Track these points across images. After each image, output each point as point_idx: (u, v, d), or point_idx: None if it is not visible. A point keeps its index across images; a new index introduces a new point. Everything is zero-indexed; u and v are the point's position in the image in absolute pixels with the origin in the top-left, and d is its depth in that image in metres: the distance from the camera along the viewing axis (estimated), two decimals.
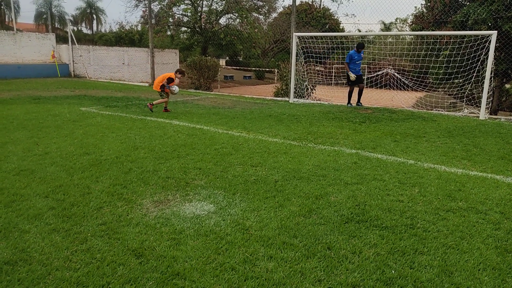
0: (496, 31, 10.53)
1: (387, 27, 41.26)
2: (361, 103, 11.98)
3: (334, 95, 16.34)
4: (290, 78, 13.72)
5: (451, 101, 15.06)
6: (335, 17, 39.15)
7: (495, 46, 10.37)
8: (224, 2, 27.37)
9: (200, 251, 2.97)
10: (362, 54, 11.55)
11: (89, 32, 59.08)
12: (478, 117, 10.56)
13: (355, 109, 11.23)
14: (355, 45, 11.59)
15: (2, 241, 3.06)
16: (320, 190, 4.34)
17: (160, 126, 7.82)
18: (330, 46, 16.74)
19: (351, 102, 11.92)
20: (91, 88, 16.10)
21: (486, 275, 2.76)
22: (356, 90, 11.91)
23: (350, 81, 11.70)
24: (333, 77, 19.76)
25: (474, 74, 11.95)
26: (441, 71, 16.75)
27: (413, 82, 14.69)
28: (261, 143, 6.60)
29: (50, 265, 2.75)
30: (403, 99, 15.28)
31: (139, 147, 6.04)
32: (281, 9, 37.63)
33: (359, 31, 36.62)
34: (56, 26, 52.42)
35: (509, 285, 2.66)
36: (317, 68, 17.65)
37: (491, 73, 10.43)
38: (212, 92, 17.83)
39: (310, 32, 25.37)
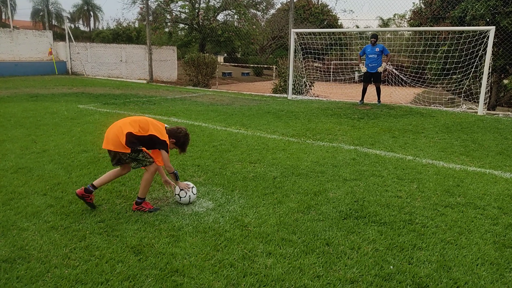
0: (494, 27, 10.51)
1: (385, 23, 41.23)
2: (380, 101, 11.55)
3: (332, 92, 16.33)
4: (289, 74, 13.70)
5: (449, 97, 15.07)
6: (333, 13, 39.08)
7: (493, 41, 10.36)
8: None
9: (199, 248, 2.97)
10: (377, 49, 10.81)
11: (86, 29, 58.89)
12: (476, 112, 10.57)
13: (359, 106, 11.19)
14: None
15: (0, 239, 3.06)
16: (319, 187, 4.34)
17: None
18: (328, 42, 16.70)
19: (363, 100, 11.65)
20: (89, 85, 16.05)
21: (484, 270, 2.77)
22: (372, 88, 11.63)
23: (362, 77, 11.53)
24: (331, 74, 19.73)
25: (472, 70, 11.94)
26: (439, 67, 16.75)
27: (411, 78, 14.68)
28: (259, 139, 6.59)
29: (49, 262, 2.74)
30: (402, 95, 15.28)
31: None
32: (279, 5, 37.58)
33: (357, 27, 36.57)
34: (53, 23, 52.19)
35: (507, 279, 2.67)
36: (316, 64, 17.63)
37: (489, 69, 10.43)
38: (210, 89, 17.79)
39: (308, 28, 25.31)
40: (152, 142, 3.61)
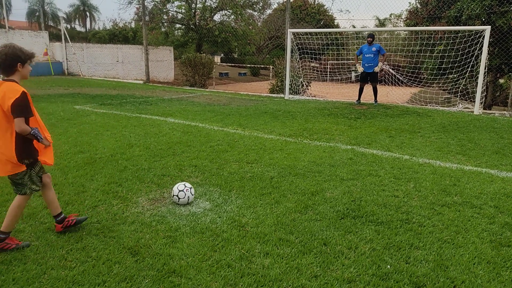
0: (490, 26, 10.56)
1: (381, 23, 41.30)
2: (377, 101, 11.49)
3: (329, 91, 16.35)
4: (285, 74, 13.71)
5: (446, 96, 15.12)
6: (330, 13, 39.14)
7: (489, 41, 10.40)
8: None
9: (196, 249, 2.96)
10: (373, 48, 10.84)
11: (82, 29, 58.66)
12: (473, 112, 10.61)
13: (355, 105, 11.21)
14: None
15: None
16: (316, 186, 4.34)
17: (155, 124, 7.78)
18: (324, 42, 16.73)
19: (360, 99, 11.68)
20: (85, 86, 15.99)
21: (481, 269, 2.78)
22: (368, 88, 11.65)
23: (359, 77, 11.55)
24: (328, 73, 19.75)
25: (468, 69, 11.99)
26: (436, 67, 16.81)
27: (408, 78, 14.72)
28: (256, 140, 6.59)
29: (45, 264, 2.73)
30: (398, 95, 15.32)
31: (134, 145, 6.01)
32: (275, 6, 37.61)
33: (354, 27, 36.66)
34: (49, 24, 51.99)
35: (504, 278, 2.68)
36: (312, 64, 17.64)
37: (485, 68, 10.47)
38: (207, 89, 17.77)
39: (305, 28, 25.32)
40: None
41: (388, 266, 2.78)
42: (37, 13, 50.45)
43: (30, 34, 22.46)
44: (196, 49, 28.48)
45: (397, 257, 2.90)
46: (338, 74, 17.35)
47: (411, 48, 15.41)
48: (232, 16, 27.97)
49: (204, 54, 20.67)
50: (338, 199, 4.00)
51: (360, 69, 11.27)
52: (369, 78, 11.23)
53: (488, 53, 11.01)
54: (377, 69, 10.99)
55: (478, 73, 10.64)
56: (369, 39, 10.98)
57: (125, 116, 8.62)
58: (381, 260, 2.86)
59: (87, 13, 61.09)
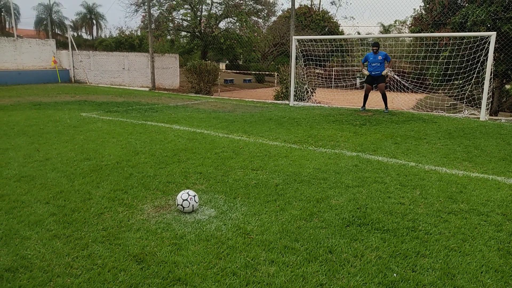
0: (495, 32, 10.53)
1: (386, 30, 41.34)
2: (388, 109, 11.30)
3: (334, 98, 16.36)
4: (290, 81, 13.74)
5: (451, 102, 15.06)
6: (334, 20, 39.31)
7: (495, 47, 10.37)
8: (223, 6, 27.47)
9: (201, 256, 2.96)
10: (379, 57, 10.82)
11: (89, 37, 59.32)
12: (479, 118, 10.55)
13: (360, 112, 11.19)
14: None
15: (3, 248, 3.06)
16: (321, 194, 4.33)
17: (161, 131, 7.82)
18: (329, 48, 16.77)
19: (365, 106, 11.66)
20: (92, 93, 16.13)
21: (489, 277, 2.75)
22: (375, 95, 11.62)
23: (365, 80, 11.54)
24: (333, 80, 19.77)
25: (474, 75, 11.94)
26: (441, 73, 16.76)
27: (413, 84, 14.69)
28: (261, 146, 6.60)
29: (51, 271, 2.74)
30: (403, 101, 15.28)
31: (140, 152, 6.04)
32: (280, 13, 37.86)
33: (359, 33, 36.69)
34: (56, 32, 52.66)
35: None
36: (317, 71, 17.67)
37: (491, 74, 10.43)
38: (212, 96, 17.85)
39: (310, 35, 25.43)
40: None
41: (395, 275, 2.76)
42: (45, 22, 51.11)
43: (38, 42, 22.74)
44: (201, 56, 28.67)
45: (404, 265, 2.88)
46: (343, 80, 17.35)
47: (416, 54, 15.40)
48: (237, 24, 28.16)
49: (209, 61, 20.81)
50: (343, 206, 3.98)
51: (366, 72, 11.20)
52: (375, 81, 11.10)
53: (494, 59, 10.97)
54: (384, 72, 10.91)
55: (484, 79, 10.59)
56: (374, 48, 10.93)
57: (131, 123, 8.67)
58: (387, 268, 2.84)
59: (94, 21, 61.81)
